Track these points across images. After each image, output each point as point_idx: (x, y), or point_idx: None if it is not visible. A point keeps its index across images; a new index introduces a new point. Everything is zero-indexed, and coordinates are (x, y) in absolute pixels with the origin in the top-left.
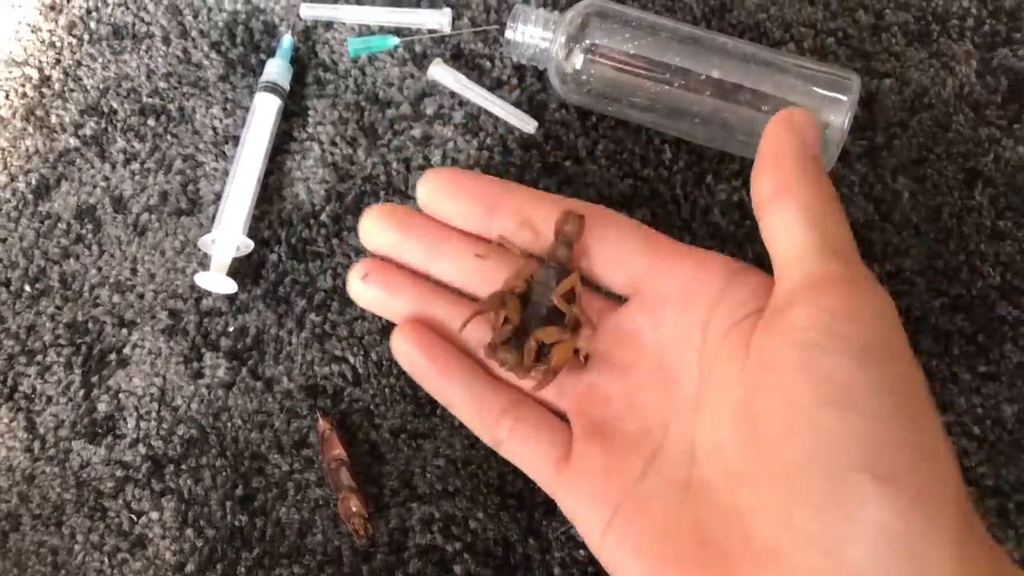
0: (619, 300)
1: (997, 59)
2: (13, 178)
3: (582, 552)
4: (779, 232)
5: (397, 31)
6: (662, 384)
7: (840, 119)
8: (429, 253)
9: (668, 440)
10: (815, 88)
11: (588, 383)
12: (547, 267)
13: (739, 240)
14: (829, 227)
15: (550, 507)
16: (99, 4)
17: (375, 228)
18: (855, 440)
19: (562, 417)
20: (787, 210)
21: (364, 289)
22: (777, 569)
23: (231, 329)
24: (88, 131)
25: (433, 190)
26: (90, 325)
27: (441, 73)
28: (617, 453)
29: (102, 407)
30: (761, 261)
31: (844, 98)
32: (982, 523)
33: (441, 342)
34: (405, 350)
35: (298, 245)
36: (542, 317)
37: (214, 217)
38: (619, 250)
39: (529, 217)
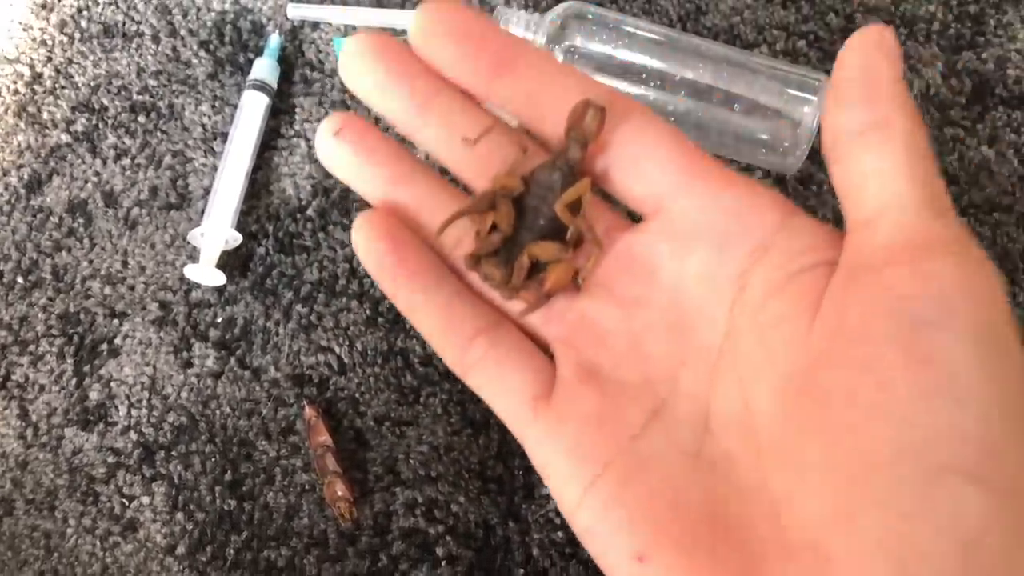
0: (631, 217)
1: (962, 62)
2: (6, 173)
3: (560, 534)
4: (870, 175)
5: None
6: (675, 331)
7: (810, 119)
8: (416, 107)
9: (676, 399)
10: (786, 89)
11: (582, 312)
12: (553, 167)
13: None
14: (932, 179)
15: (529, 491)
16: (89, 3)
17: (358, 58)
18: (962, 440)
19: (544, 349)
20: (884, 149)
21: (334, 147)
22: (822, 571)
23: (220, 320)
24: (79, 127)
25: (430, 25)
26: (82, 316)
27: None
28: (612, 402)
29: (94, 395)
30: None
31: (814, 98)
32: None
33: (413, 239)
34: (368, 242)
35: (285, 239)
36: (539, 228)
37: (203, 211)
38: (646, 155)
39: (539, 92)
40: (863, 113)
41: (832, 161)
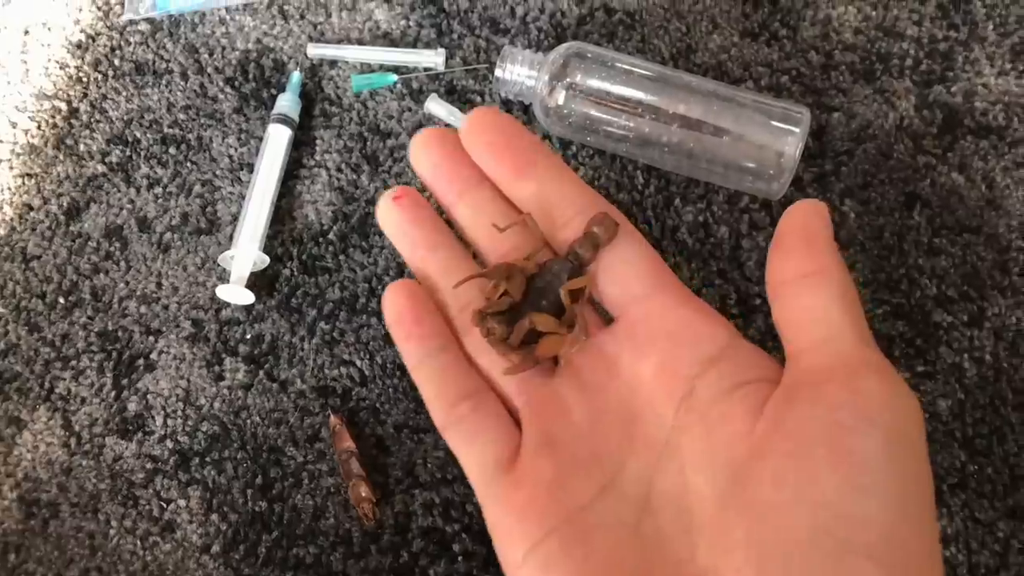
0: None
1: (933, 95)
2: (46, 201)
3: None
4: (810, 310)
5: (396, 69)
6: (626, 419)
7: (793, 149)
8: (457, 191)
9: (623, 478)
10: (771, 121)
11: (553, 390)
12: (564, 260)
13: (704, 256)
14: (860, 316)
15: None
16: (122, 43)
17: (423, 147)
18: (868, 526)
19: (514, 418)
20: (823, 291)
21: (390, 210)
22: None
23: (248, 336)
24: (114, 158)
25: (475, 127)
26: (120, 333)
27: (436, 107)
28: (565, 474)
29: (132, 407)
30: (724, 275)
31: (796, 130)
32: None
33: (430, 307)
34: (394, 303)
35: (308, 261)
36: (540, 306)
37: (231, 236)
38: (624, 267)
39: (550, 199)
40: (804, 262)
41: (775, 299)
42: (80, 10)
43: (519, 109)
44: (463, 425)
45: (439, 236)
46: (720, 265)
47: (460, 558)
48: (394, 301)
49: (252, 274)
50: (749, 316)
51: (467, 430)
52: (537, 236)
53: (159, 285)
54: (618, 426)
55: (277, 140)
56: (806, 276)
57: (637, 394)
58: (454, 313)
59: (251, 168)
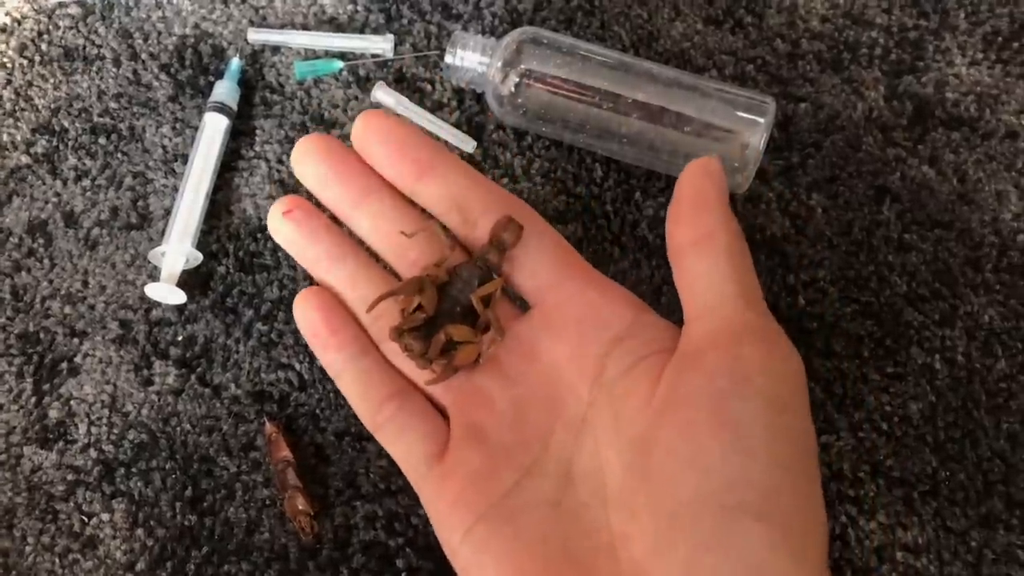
0: (523, 308)
1: (903, 85)
2: None
3: None
4: (699, 277)
5: (342, 55)
6: (548, 402)
7: (757, 140)
8: (352, 201)
9: (545, 457)
10: (735, 111)
11: (476, 384)
12: (474, 266)
13: (664, 252)
14: (747, 278)
15: None
16: (50, 27)
17: (305, 157)
18: (750, 485)
19: (442, 412)
20: (709, 257)
21: (282, 225)
22: None
23: (180, 338)
24: (40, 149)
25: (368, 132)
26: (41, 335)
27: (384, 96)
28: (492, 462)
29: (53, 414)
30: None
31: (761, 120)
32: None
33: (343, 314)
34: (307, 315)
35: (245, 258)
36: (455, 313)
37: (164, 232)
38: (535, 259)
39: (458, 199)
40: (692, 228)
41: (674, 267)
42: None
43: (471, 98)
44: (391, 425)
45: (340, 247)
46: None
47: (404, 574)
48: (306, 312)
49: (185, 272)
50: None
51: (395, 428)
52: (444, 243)
53: (85, 284)
54: (540, 409)
55: (213, 129)
56: (695, 242)
57: (556, 377)
58: (368, 322)
59: (186, 159)
